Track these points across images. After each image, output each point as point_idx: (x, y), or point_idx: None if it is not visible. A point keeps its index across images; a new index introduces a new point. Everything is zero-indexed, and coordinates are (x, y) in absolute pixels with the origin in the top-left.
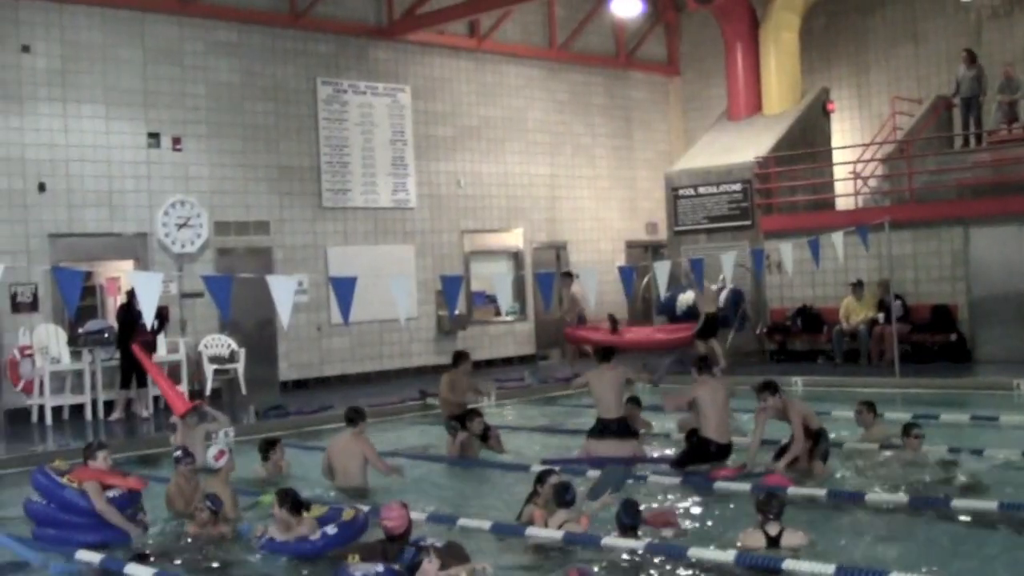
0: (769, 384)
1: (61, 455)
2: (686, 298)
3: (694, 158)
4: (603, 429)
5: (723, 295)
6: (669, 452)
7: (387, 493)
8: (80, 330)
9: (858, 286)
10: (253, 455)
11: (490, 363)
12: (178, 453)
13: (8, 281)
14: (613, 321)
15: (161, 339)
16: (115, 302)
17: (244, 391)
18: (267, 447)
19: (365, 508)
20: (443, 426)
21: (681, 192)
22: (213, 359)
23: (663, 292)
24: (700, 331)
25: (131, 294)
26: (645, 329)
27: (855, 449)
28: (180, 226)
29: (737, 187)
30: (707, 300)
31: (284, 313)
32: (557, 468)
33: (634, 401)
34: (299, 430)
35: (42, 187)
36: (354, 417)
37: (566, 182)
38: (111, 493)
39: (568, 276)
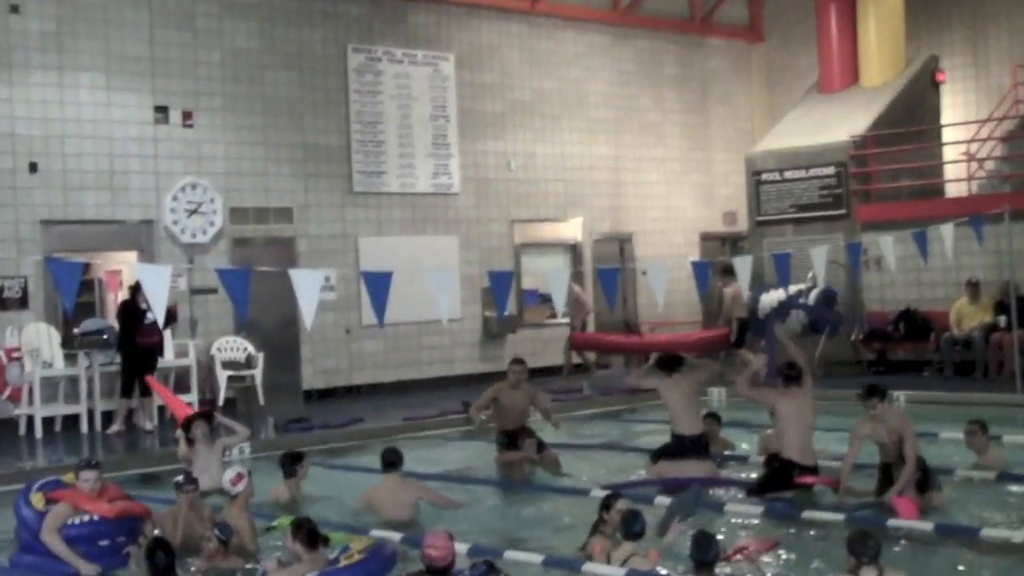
0: (876, 389)
1: (52, 472)
2: (769, 299)
3: (780, 137)
4: (678, 447)
5: (812, 295)
6: (745, 476)
7: (425, 518)
8: (76, 330)
9: (973, 286)
10: (270, 475)
11: (543, 372)
12: (179, 479)
13: (7, 273)
14: (628, 326)
15: (168, 341)
16: (116, 299)
17: (262, 401)
18: (291, 462)
19: (396, 536)
20: (489, 443)
21: (765, 177)
22: (227, 364)
23: (746, 291)
24: (737, 339)
25: (135, 289)
26: (666, 335)
27: (966, 477)
28: (191, 212)
29: (830, 171)
30: (736, 303)
31: (308, 312)
32: (623, 493)
33: (714, 417)
34: (325, 446)
35: (33, 167)
36: (395, 461)
37: (632, 165)
38: (78, 520)
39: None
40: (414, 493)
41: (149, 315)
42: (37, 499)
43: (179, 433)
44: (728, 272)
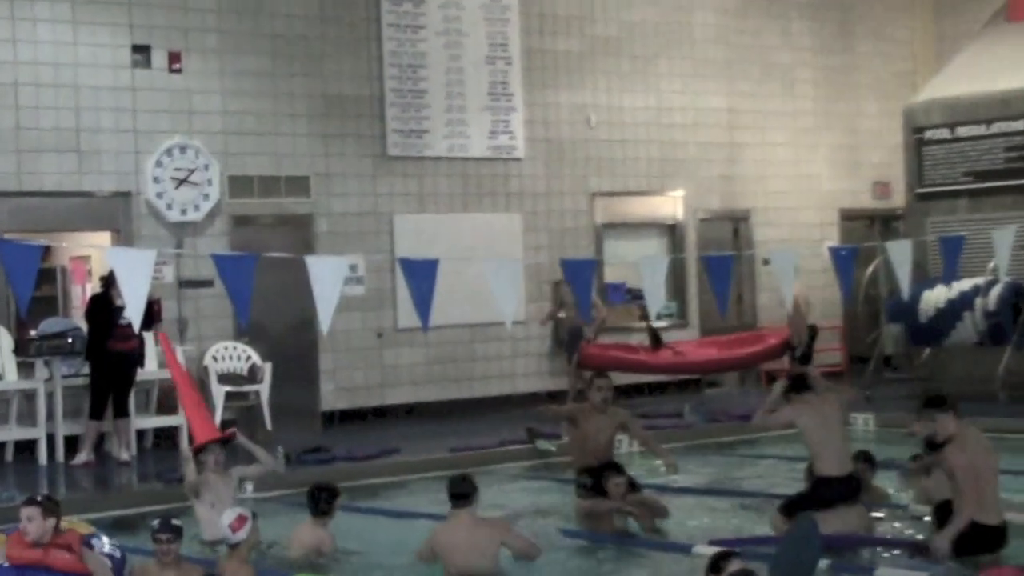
0: (939, 399)
1: None
2: (935, 296)
3: (951, 82)
4: (825, 492)
5: (994, 293)
6: (908, 532)
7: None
8: (32, 332)
9: None
10: (278, 520)
11: (632, 391)
12: (155, 523)
13: None
14: (654, 336)
15: (150, 347)
16: (84, 293)
17: (269, 425)
18: (328, 496)
19: None
20: (565, 482)
21: (930, 135)
22: (225, 378)
23: (905, 287)
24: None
25: (107, 281)
26: (689, 345)
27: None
28: (179, 183)
29: (1020, 126)
30: (796, 311)
31: (327, 312)
32: (737, 550)
33: (866, 459)
34: (349, 483)
35: None
36: (469, 492)
37: (750, 121)
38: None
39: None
40: (497, 535)
41: (125, 314)
42: None
43: (187, 453)
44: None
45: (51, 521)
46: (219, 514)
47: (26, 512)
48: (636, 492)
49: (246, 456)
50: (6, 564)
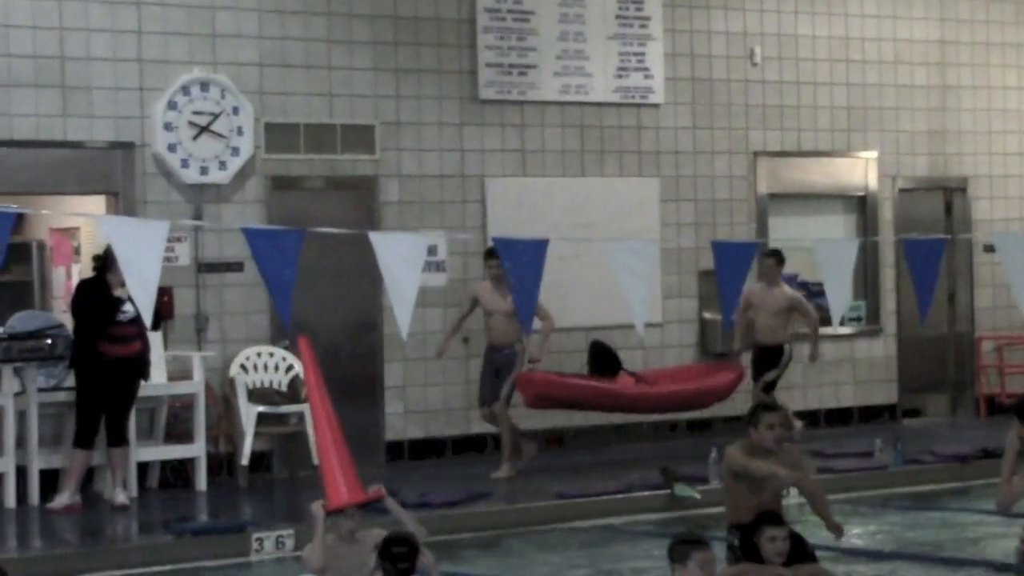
0: None
1: None
2: None
3: None
4: None
5: None
6: None
7: None
8: (0, 329)
9: None
10: None
11: (807, 419)
12: None
13: None
14: (606, 356)
15: (157, 351)
16: (68, 277)
17: (316, 459)
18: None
19: None
20: (712, 542)
21: None
22: (258, 395)
23: None
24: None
25: (103, 261)
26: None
27: None
28: (199, 131)
29: None
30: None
31: (404, 309)
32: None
33: None
34: (424, 540)
35: None
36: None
37: (969, 57)
38: None
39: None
40: None
41: (126, 306)
42: None
43: (317, 512)
44: (777, 262)
45: None
46: None
47: None
48: (808, 562)
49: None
50: None
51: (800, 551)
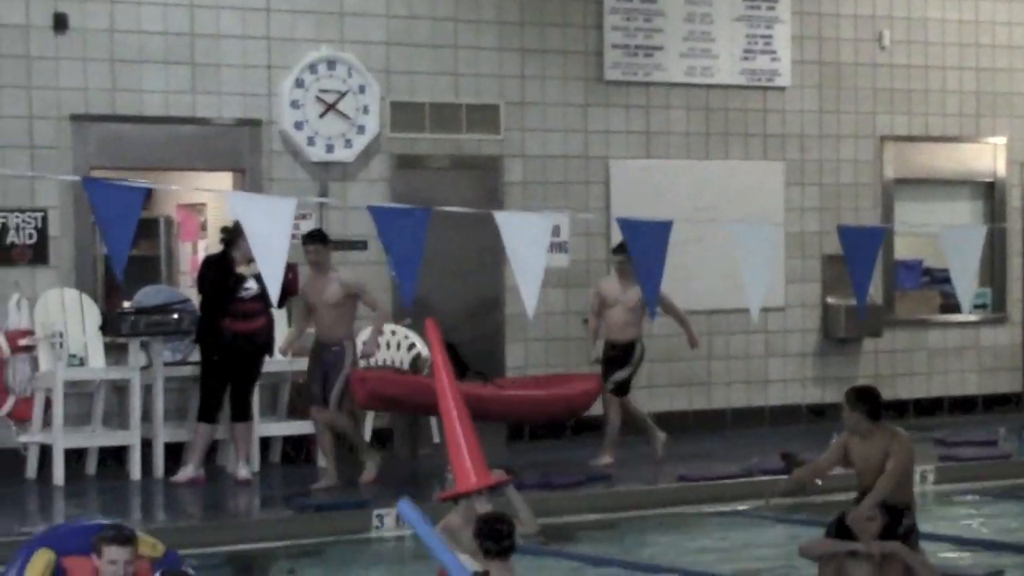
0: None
1: None
2: None
3: None
4: None
5: None
6: None
7: None
8: (127, 304)
9: None
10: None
11: (930, 407)
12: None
13: None
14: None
15: (280, 327)
16: (195, 251)
17: (437, 437)
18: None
19: None
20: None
21: None
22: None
23: None
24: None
25: (231, 235)
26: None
27: None
28: (326, 109)
29: None
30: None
31: (529, 289)
32: None
33: None
34: (543, 520)
35: (60, 22)
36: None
37: None
38: None
39: None
40: None
41: (249, 283)
42: (39, 565)
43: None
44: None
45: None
46: None
47: (121, 554)
48: (905, 541)
49: None
50: None
51: (890, 532)
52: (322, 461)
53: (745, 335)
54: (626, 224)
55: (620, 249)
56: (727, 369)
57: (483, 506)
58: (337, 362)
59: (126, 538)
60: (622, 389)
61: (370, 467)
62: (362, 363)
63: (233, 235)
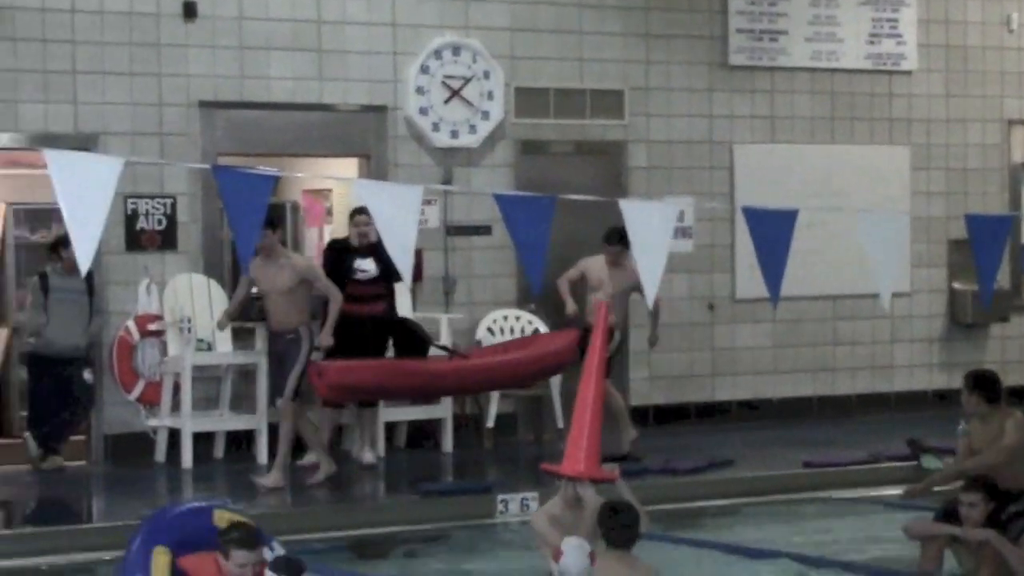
0: None
1: None
2: None
3: None
4: None
5: None
6: None
7: None
8: (254, 289)
9: None
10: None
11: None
12: None
13: (126, 190)
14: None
15: (405, 312)
16: (320, 237)
17: (560, 422)
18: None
19: None
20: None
21: None
22: None
23: None
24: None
25: (361, 214)
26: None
27: None
28: (451, 95)
29: None
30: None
31: (651, 275)
32: None
33: None
34: (666, 507)
35: (190, 10)
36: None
37: None
38: None
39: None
40: None
41: (365, 265)
42: (161, 565)
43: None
44: (618, 242)
45: None
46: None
47: (247, 558)
48: (1007, 527)
49: None
50: None
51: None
52: (311, 455)
53: (870, 321)
54: (750, 212)
55: (612, 239)
56: (852, 355)
57: (583, 492)
58: (292, 350)
59: (256, 541)
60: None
61: (323, 465)
62: (315, 355)
63: (361, 216)
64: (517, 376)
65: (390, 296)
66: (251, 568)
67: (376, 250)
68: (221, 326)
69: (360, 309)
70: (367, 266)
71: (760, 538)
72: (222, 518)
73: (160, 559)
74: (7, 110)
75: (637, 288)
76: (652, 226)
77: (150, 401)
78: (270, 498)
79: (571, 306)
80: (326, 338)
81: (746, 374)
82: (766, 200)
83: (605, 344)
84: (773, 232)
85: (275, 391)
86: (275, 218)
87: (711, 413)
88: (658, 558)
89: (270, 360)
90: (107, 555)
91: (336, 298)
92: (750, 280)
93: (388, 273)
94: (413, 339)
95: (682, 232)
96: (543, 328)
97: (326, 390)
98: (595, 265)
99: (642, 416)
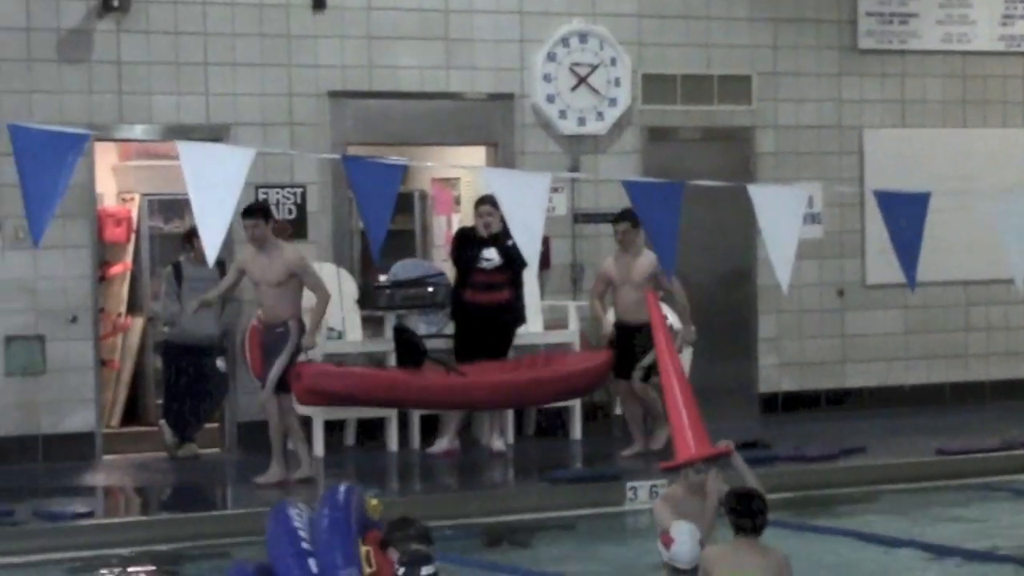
0: None
1: None
2: None
3: None
4: None
5: None
6: None
7: None
8: (383, 278)
9: None
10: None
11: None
12: None
13: (257, 180)
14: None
15: (533, 299)
16: (449, 225)
17: None
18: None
19: None
20: None
21: None
22: None
23: None
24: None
25: (488, 204)
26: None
27: None
28: (578, 82)
29: None
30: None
31: (782, 261)
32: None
33: None
34: (793, 494)
35: (319, 2)
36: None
37: None
38: None
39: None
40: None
41: (489, 253)
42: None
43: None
44: (626, 220)
45: None
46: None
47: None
48: None
49: None
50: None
51: None
52: (293, 446)
53: (1004, 306)
54: (882, 197)
55: (622, 217)
56: (986, 340)
57: (701, 476)
58: (278, 343)
59: (428, 540)
60: (650, 375)
61: (304, 463)
62: (302, 357)
63: (489, 205)
64: (530, 395)
65: (514, 285)
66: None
67: (500, 239)
68: (191, 310)
69: (485, 297)
70: (491, 255)
71: (893, 527)
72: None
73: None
74: (141, 102)
75: (654, 275)
76: (782, 212)
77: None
78: (392, 484)
79: (607, 325)
80: (310, 339)
81: (877, 360)
82: (896, 185)
83: (668, 334)
84: (906, 216)
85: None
86: (266, 208)
87: (842, 400)
88: (789, 546)
89: (259, 352)
90: (241, 540)
91: (323, 297)
92: (881, 266)
93: (512, 262)
94: (411, 350)
95: (811, 218)
96: (672, 316)
97: (303, 394)
98: (609, 263)
99: (771, 403)
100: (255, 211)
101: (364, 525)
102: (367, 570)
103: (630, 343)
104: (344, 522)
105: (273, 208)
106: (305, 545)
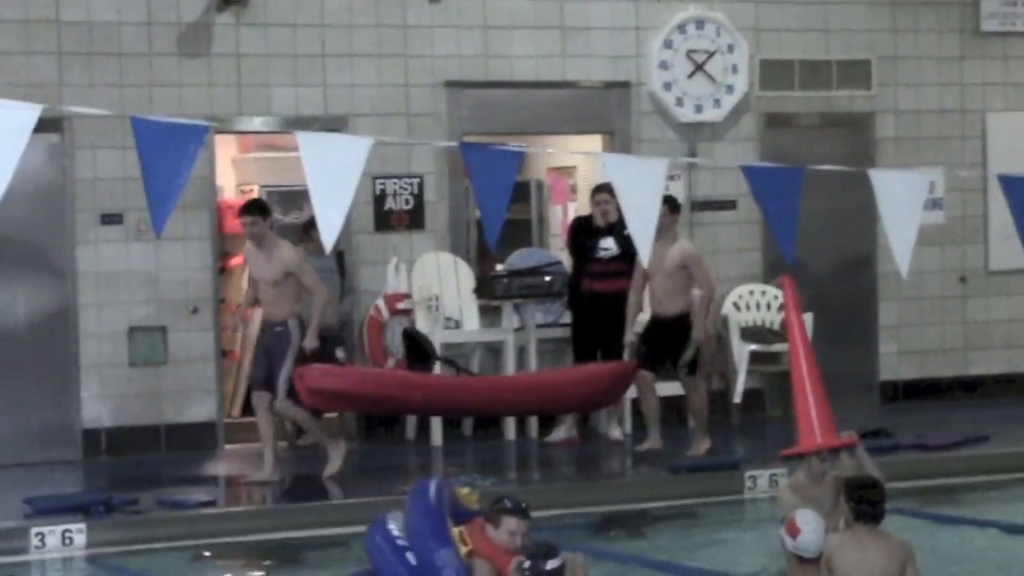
0: None
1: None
2: None
3: None
4: None
5: None
6: None
7: None
8: (500, 267)
9: None
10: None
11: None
12: None
13: (374, 171)
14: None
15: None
16: (565, 214)
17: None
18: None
19: None
20: None
21: None
22: (750, 333)
23: None
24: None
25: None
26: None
27: None
28: (695, 69)
29: None
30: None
31: (903, 248)
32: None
33: None
34: (918, 483)
35: None
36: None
37: None
38: None
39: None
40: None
41: (606, 243)
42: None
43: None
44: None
45: None
46: None
47: (512, 525)
48: None
49: None
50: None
51: None
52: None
53: None
54: (1006, 181)
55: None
56: None
57: (826, 465)
58: (279, 343)
59: (525, 511)
60: (694, 368)
61: (334, 458)
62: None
63: (608, 196)
64: (544, 403)
65: (632, 273)
66: (520, 536)
67: (617, 228)
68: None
69: (602, 286)
70: (608, 244)
71: (1018, 515)
72: (463, 495)
73: (464, 492)
74: (260, 94)
75: (686, 266)
76: (903, 197)
77: None
78: (510, 474)
79: (630, 334)
80: (310, 341)
81: (1001, 348)
82: (1020, 169)
83: (801, 320)
84: None
85: (258, 382)
86: (264, 205)
87: (964, 388)
88: (912, 535)
89: (257, 351)
90: (359, 530)
91: (321, 297)
92: (1004, 251)
93: (628, 250)
94: (420, 351)
95: (932, 203)
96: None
97: (306, 395)
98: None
99: (891, 391)
100: (252, 208)
101: (462, 514)
102: (463, 548)
103: (661, 336)
104: (431, 508)
105: (390, 199)
106: (401, 543)
